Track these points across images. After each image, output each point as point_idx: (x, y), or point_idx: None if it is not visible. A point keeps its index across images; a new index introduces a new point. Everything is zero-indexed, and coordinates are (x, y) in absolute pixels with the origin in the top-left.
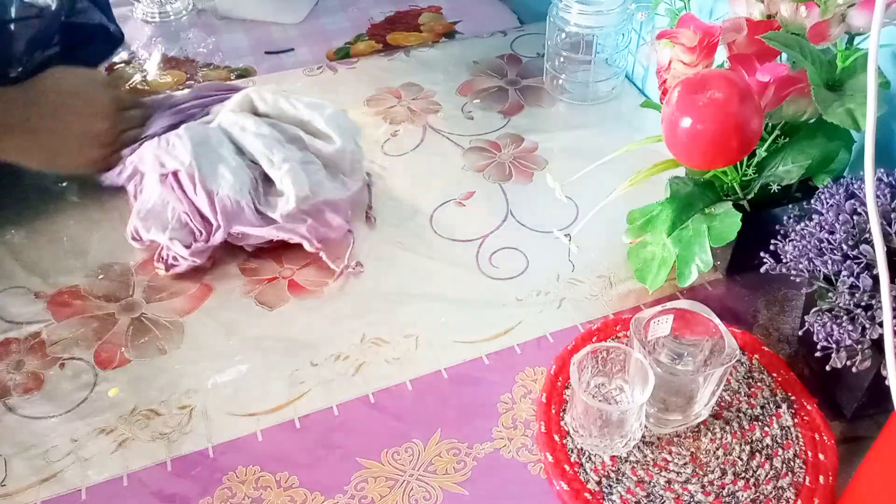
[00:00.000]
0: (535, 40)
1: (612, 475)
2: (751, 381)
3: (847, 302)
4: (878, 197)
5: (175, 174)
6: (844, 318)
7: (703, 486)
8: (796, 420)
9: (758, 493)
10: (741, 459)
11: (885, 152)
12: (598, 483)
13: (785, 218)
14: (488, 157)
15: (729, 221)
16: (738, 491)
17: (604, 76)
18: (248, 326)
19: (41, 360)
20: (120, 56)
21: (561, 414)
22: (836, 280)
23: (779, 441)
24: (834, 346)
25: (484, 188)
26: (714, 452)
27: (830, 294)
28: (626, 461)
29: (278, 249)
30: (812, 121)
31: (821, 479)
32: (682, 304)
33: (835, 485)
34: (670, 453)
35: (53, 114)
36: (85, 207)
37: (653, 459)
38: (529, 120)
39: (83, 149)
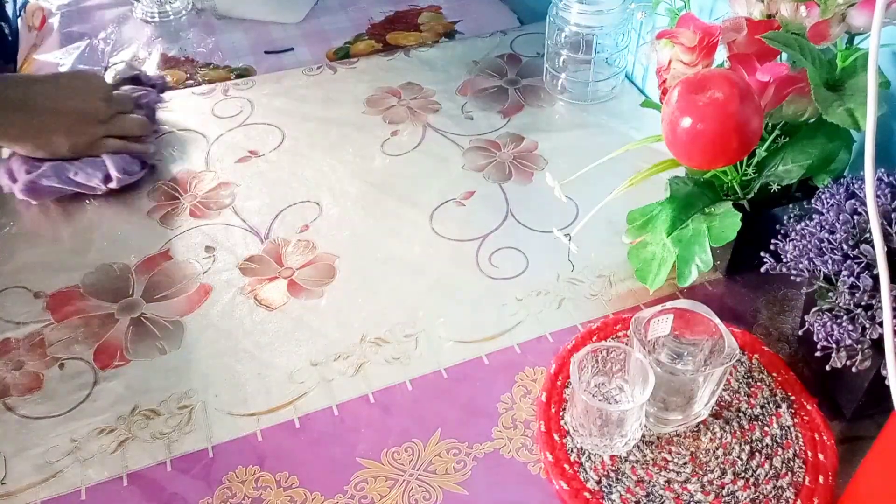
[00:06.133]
0: (535, 40)
1: (612, 474)
2: (751, 380)
3: (847, 302)
4: (878, 197)
5: None
6: (844, 318)
7: (702, 486)
8: (796, 420)
9: (757, 493)
10: (741, 459)
11: (885, 152)
12: (598, 482)
13: (785, 218)
14: (488, 156)
15: (729, 221)
16: (737, 490)
17: (604, 76)
18: (247, 326)
19: (41, 359)
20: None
21: (561, 413)
22: (836, 280)
23: (778, 441)
24: (834, 346)
25: (484, 188)
26: (714, 452)
27: (830, 294)
28: (625, 461)
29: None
30: (812, 121)
31: (820, 479)
32: (682, 303)
33: (834, 485)
34: (670, 453)
35: (54, 92)
36: (84, 207)
37: (652, 459)
38: (529, 120)
39: (79, 126)
